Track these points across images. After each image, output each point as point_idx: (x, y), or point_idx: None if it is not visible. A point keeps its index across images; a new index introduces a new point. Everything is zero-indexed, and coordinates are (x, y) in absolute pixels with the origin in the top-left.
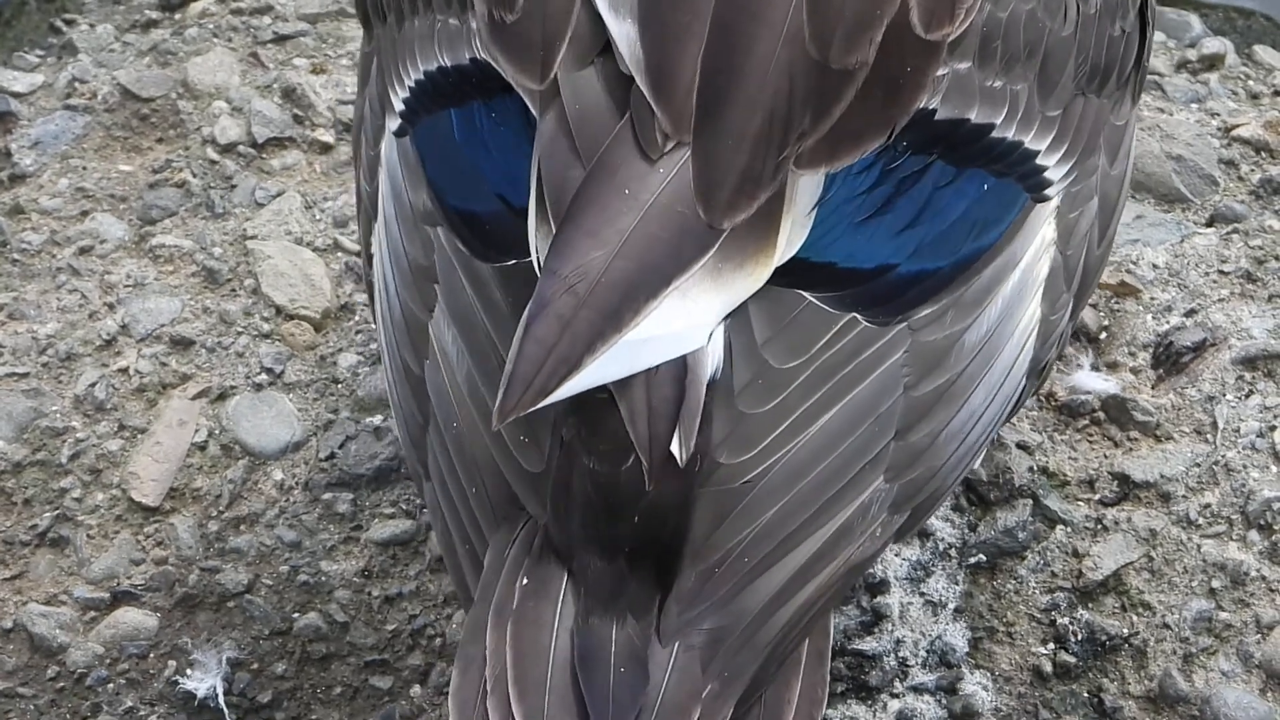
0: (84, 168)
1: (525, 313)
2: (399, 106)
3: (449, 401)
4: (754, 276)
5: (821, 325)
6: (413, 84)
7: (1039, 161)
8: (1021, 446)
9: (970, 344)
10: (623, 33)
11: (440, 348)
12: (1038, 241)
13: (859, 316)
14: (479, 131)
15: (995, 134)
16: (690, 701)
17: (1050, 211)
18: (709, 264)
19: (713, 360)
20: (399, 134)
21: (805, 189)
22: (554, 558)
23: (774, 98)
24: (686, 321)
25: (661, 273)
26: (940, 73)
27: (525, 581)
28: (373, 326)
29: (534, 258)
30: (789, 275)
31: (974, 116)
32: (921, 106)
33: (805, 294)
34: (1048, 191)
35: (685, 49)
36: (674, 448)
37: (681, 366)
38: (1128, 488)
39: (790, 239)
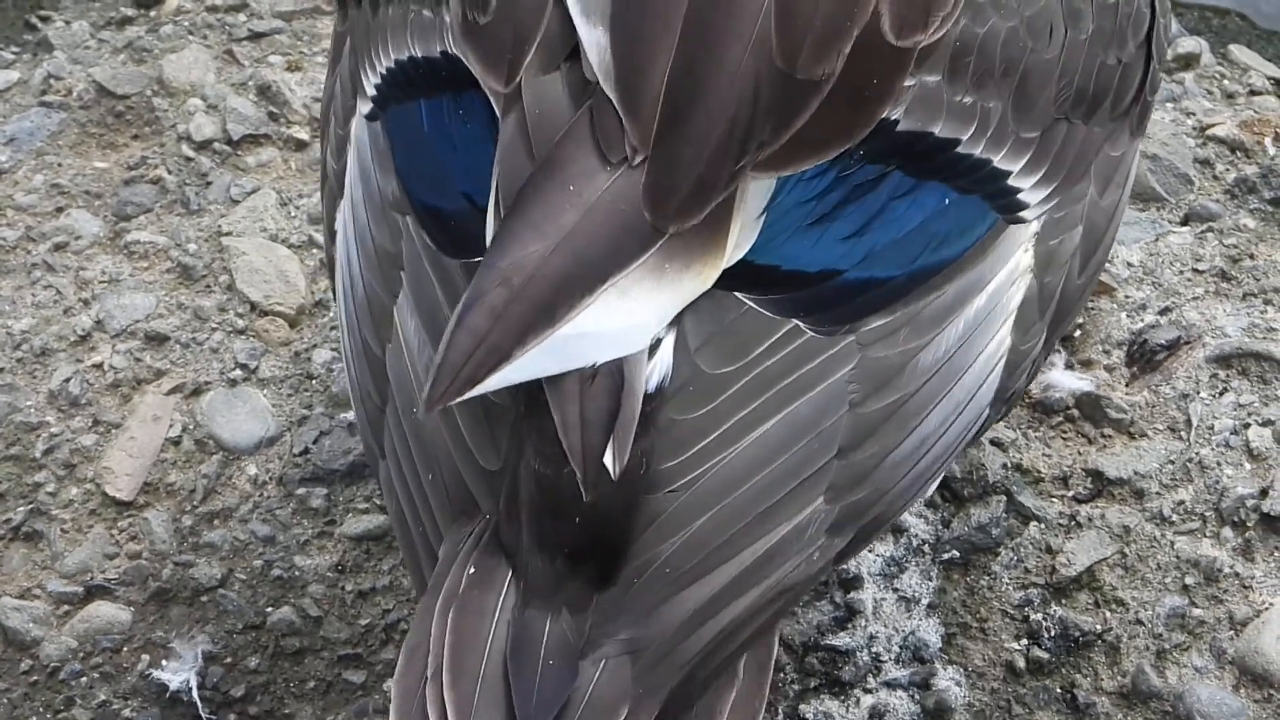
0: (59, 164)
1: (461, 301)
2: (370, 91)
3: (410, 388)
4: (701, 278)
5: (760, 331)
6: (384, 71)
7: (1011, 182)
8: (995, 443)
9: (926, 365)
10: (594, 39)
11: (403, 334)
12: (1010, 266)
13: (801, 324)
14: (447, 127)
15: (961, 149)
16: (618, 702)
17: (1028, 237)
18: (652, 263)
19: (660, 369)
20: (370, 118)
21: (756, 192)
22: (500, 550)
23: (737, 107)
24: (626, 320)
25: (599, 269)
26: (907, 84)
27: (472, 570)
28: None
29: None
30: (729, 277)
31: (938, 130)
32: (885, 116)
33: (744, 298)
34: (1023, 214)
35: (654, 60)
36: (607, 460)
37: (618, 378)
38: (1101, 484)
39: (739, 242)
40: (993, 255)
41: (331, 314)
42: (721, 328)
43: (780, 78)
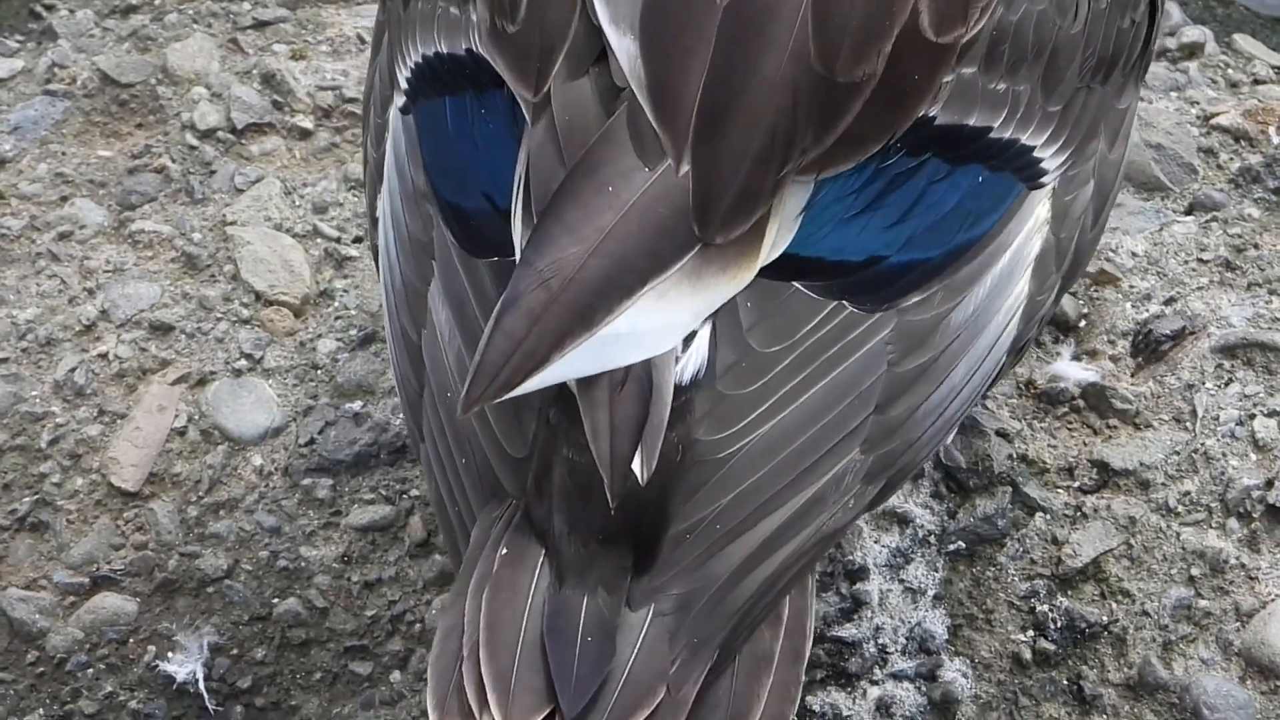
0: (63, 153)
1: (499, 302)
2: (403, 84)
3: (444, 372)
4: (736, 279)
5: (808, 311)
6: (414, 64)
7: (1036, 154)
8: (1001, 434)
9: (956, 323)
10: (624, 47)
11: (436, 321)
12: (1031, 222)
13: (846, 303)
14: (469, 125)
15: (993, 135)
16: (658, 673)
17: (1045, 193)
18: (689, 266)
19: (695, 360)
20: (403, 111)
21: (794, 193)
22: (531, 532)
23: (777, 115)
24: (661, 321)
25: (638, 272)
26: (946, 79)
27: (504, 552)
28: (352, 313)
29: (518, 253)
30: (777, 269)
31: (973, 120)
32: (923, 114)
33: (799, 287)
34: (1043, 180)
35: (689, 70)
36: (635, 465)
37: (646, 383)
38: (1107, 475)
39: (776, 242)
40: (1017, 218)
41: (337, 304)
42: (771, 309)
43: (820, 83)
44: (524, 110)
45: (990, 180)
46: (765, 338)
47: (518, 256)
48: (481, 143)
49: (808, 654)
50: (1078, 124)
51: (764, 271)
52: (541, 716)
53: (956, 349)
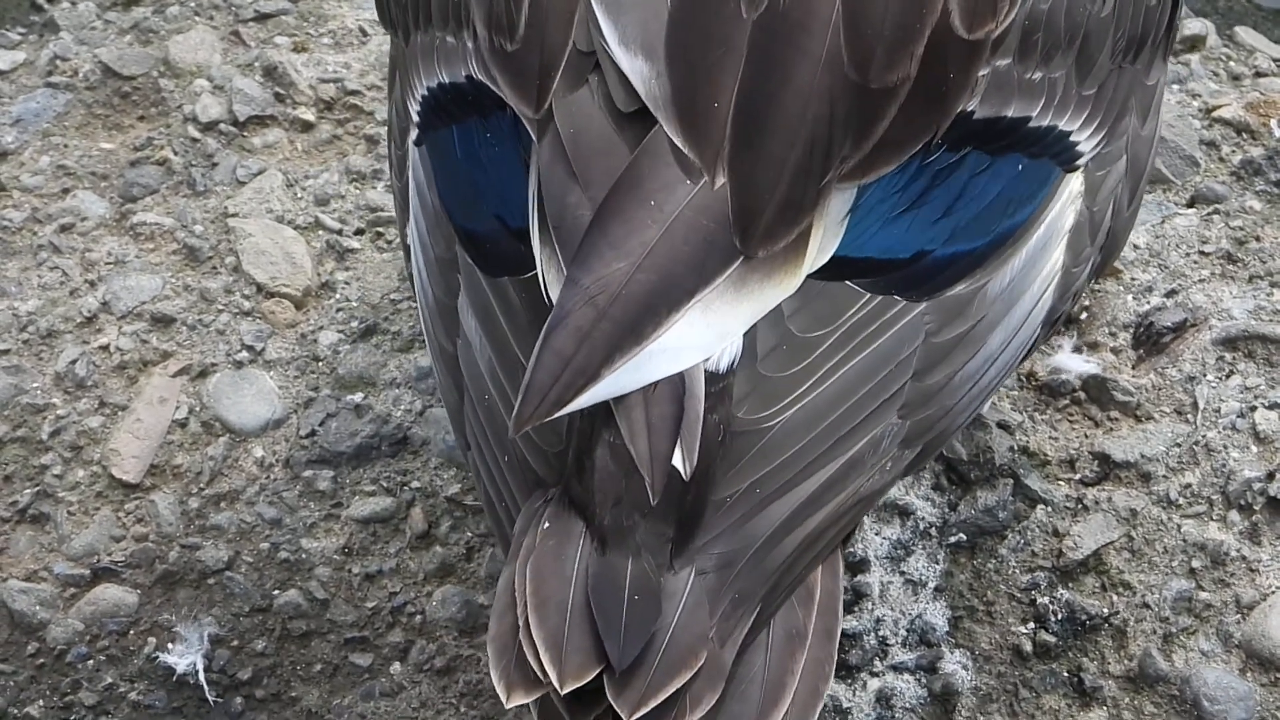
0: (65, 145)
1: (547, 321)
2: (414, 117)
3: (479, 377)
4: (782, 287)
5: (849, 298)
6: (421, 97)
7: (1073, 139)
8: (1002, 426)
9: (993, 294)
10: (635, 69)
11: (466, 331)
12: (1065, 197)
13: (896, 297)
14: (476, 151)
15: (1031, 125)
16: (700, 634)
17: (1079, 169)
18: (735, 277)
19: (732, 348)
20: (417, 143)
21: (838, 200)
22: (573, 508)
23: (814, 125)
24: (708, 333)
25: (684, 286)
26: (981, 73)
27: (546, 525)
28: (353, 305)
29: (540, 279)
30: (826, 270)
31: (1011, 112)
32: (962, 109)
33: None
34: (1079, 162)
35: (720, 85)
36: (677, 461)
37: (679, 381)
38: (1108, 467)
39: (822, 248)
40: (1053, 197)
41: (338, 296)
42: (813, 296)
43: (855, 90)
44: (528, 128)
45: (1030, 167)
46: (807, 323)
47: (540, 275)
48: (489, 166)
49: (839, 633)
50: (1111, 104)
51: (817, 273)
52: (593, 674)
53: (993, 318)
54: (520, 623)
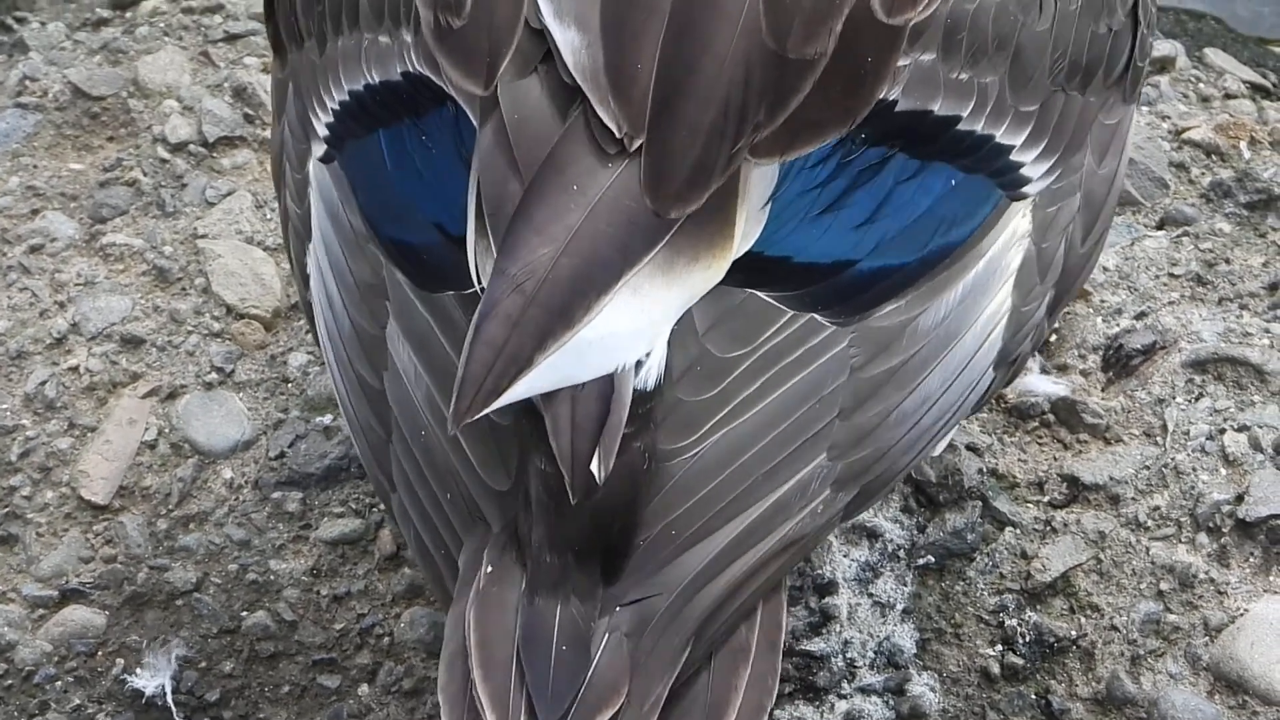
0: (34, 166)
1: (475, 314)
2: (322, 132)
3: (413, 412)
4: (711, 270)
5: (767, 315)
6: (336, 106)
7: (1014, 158)
8: (971, 448)
9: (925, 328)
10: (567, 40)
11: (399, 362)
12: (1008, 233)
13: (819, 316)
14: (409, 155)
15: (962, 126)
16: (619, 679)
17: (1025, 205)
18: (662, 258)
19: (657, 367)
20: (325, 160)
21: (759, 181)
22: (515, 547)
23: (729, 89)
24: (641, 319)
25: (611, 268)
26: (902, 63)
27: (489, 570)
28: None
29: (473, 269)
30: (744, 272)
31: (938, 108)
32: (883, 97)
33: (763, 296)
34: (1025, 189)
35: (642, 47)
36: (593, 466)
37: (607, 382)
38: (1077, 490)
39: (746, 232)
40: (994, 227)
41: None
42: (728, 312)
43: (772, 58)
44: (470, 112)
45: (965, 184)
46: (722, 342)
47: (472, 265)
48: (425, 170)
49: (783, 644)
50: (1059, 130)
51: (735, 278)
52: None
53: (927, 355)
54: (470, 677)
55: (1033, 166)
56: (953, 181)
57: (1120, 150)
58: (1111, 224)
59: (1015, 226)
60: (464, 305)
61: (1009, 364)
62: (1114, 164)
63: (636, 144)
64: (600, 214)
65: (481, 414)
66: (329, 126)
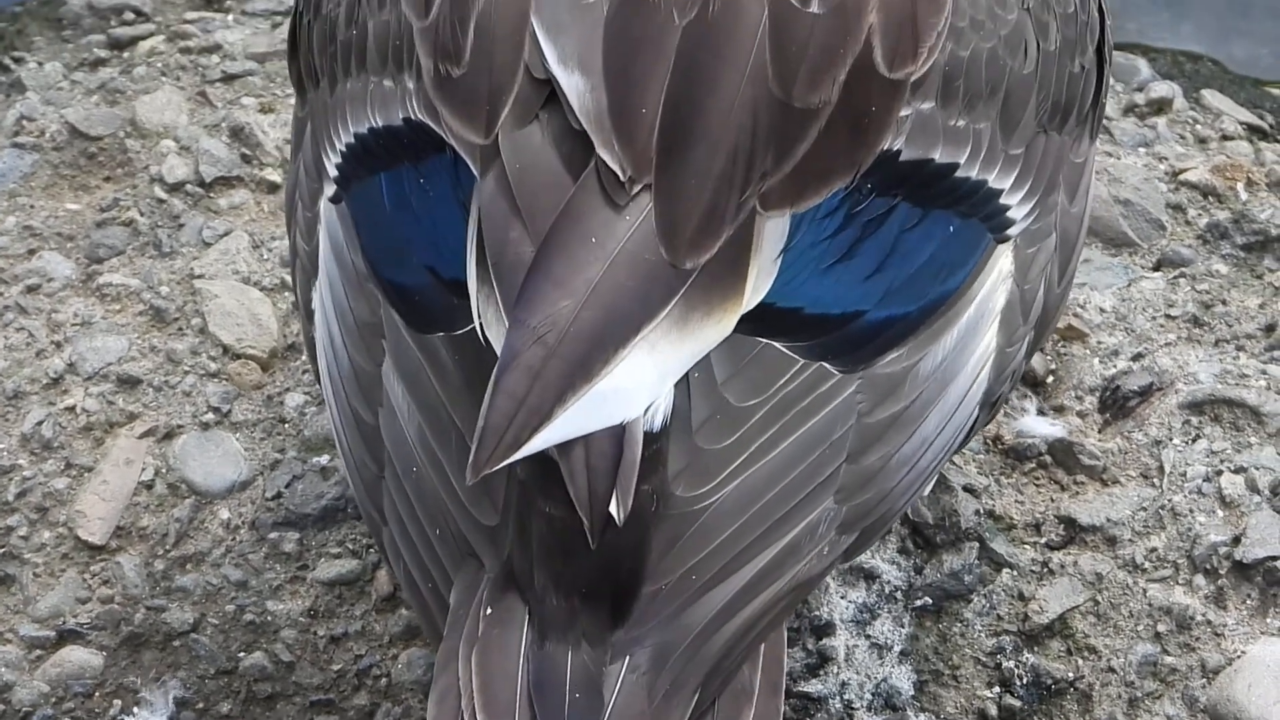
0: (31, 206)
1: (497, 365)
2: (332, 172)
3: (407, 449)
4: (722, 324)
5: (781, 364)
6: (344, 148)
7: (1003, 201)
8: (968, 489)
9: (925, 373)
10: (572, 84)
11: (393, 399)
12: (995, 274)
13: (827, 365)
14: (407, 198)
15: (959, 174)
16: (643, 709)
17: (1008, 246)
18: (676, 312)
19: (664, 408)
20: (334, 200)
21: (771, 233)
22: (515, 589)
23: (737, 135)
24: (654, 371)
25: (630, 321)
26: (904, 112)
27: (489, 612)
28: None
29: (475, 314)
30: (757, 322)
31: (938, 156)
32: (886, 147)
33: (776, 344)
34: (1010, 231)
35: (647, 90)
36: (612, 507)
37: (619, 427)
38: (1074, 531)
39: (757, 285)
40: (983, 270)
41: (304, 357)
42: (745, 362)
43: (777, 106)
44: (470, 162)
45: (960, 229)
46: (740, 392)
47: (474, 310)
48: (422, 214)
49: (784, 685)
50: (1040, 171)
51: (747, 328)
52: None
53: (927, 399)
54: (466, 717)
55: (1018, 208)
56: (951, 228)
57: (1088, 189)
58: (1103, 264)
59: (1000, 268)
60: (453, 347)
61: (991, 404)
62: (1084, 203)
63: (638, 188)
64: (619, 267)
65: (501, 465)
66: (338, 167)
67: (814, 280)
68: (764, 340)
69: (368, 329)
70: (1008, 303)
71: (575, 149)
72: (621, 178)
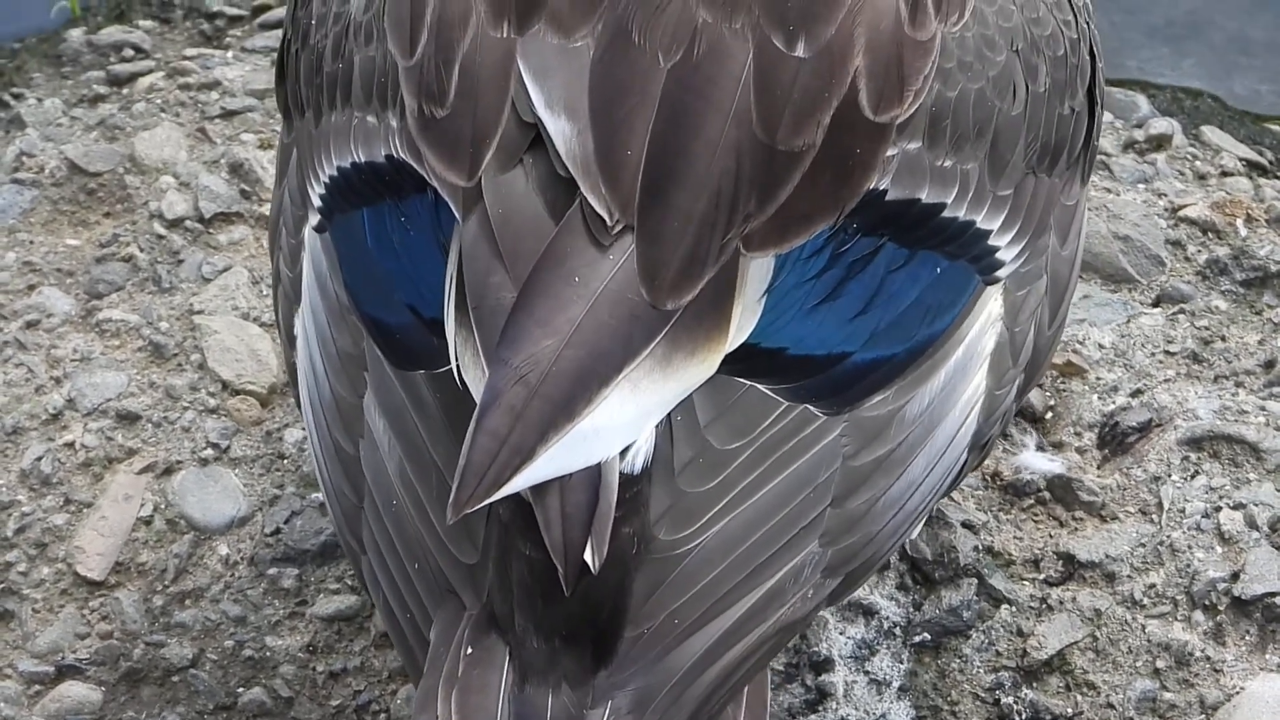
0: (31, 241)
1: (479, 404)
2: (316, 202)
3: (386, 480)
4: (706, 364)
5: (764, 407)
6: (327, 179)
7: (991, 242)
8: (967, 526)
9: (911, 416)
10: (559, 129)
11: (374, 431)
12: (984, 317)
13: (811, 408)
14: (388, 235)
15: (946, 214)
16: None
17: (997, 289)
18: (659, 351)
19: (645, 450)
20: (318, 229)
21: (755, 274)
22: (495, 630)
23: (720, 178)
24: (636, 410)
25: (612, 361)
26: (890, 153)
27: (469, 651)
28: None
29: (452, 355)
30: (741, 363)
31: (924, 196)
32: (872, 187)
33: (760, 386)
34: (999, 273)
35: (632, 132)
36: (587, 555)
37: (594, 471)
38: (1073, 567)
39: (741, 325)
40: (971, 313)
41: None
42: (729, 405)
43: (761, 149)
44: (453, 204)
45: (949, 271)
46: (724, 435)
47: (452, 352)
48: (402, 252)
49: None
50: (1029, 213)
51: (731, 369)
52: None
53: (913, 442)
54: None
55: (1006, 250)
56: (938, 269)
57: (1080, 231)
58: (1102, 300)
59: (990, 310)
60: (433, 385)
61: (981, 447)
62: (1075, 245)
63: (621, 228)
64: (602, 307)
65: (482, 505)
66: (321, 198)
67: (799, 320)
68: (748, 383)
69: (350, 360)
70: (997, 345)
71: (559, 195)
72: (608, 221)
